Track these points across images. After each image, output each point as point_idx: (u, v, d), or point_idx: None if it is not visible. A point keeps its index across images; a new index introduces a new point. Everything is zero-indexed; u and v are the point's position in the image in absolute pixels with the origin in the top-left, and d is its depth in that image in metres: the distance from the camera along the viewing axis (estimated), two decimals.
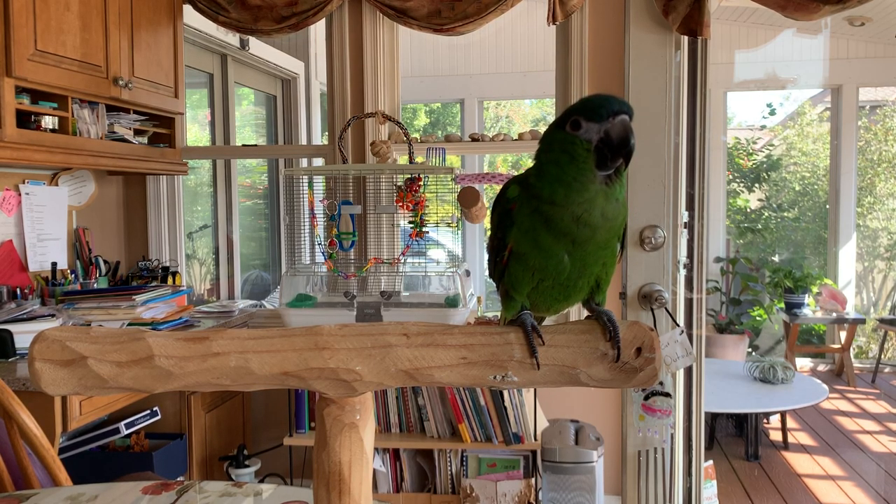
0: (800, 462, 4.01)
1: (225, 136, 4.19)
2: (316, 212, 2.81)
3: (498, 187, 3.29)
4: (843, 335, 5.79)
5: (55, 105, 2.36)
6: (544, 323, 0.88)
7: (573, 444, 2.56)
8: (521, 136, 3.03)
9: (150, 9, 2.79)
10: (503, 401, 2.54)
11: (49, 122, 2.36)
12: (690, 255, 2.25)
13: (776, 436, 4.37)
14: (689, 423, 2.31)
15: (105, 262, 3.06)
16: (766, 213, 6.95)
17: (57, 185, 2.85)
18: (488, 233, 0.93)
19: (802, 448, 4.25)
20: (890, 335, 6.25)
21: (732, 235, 6.69)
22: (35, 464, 1.62)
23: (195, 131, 4.27)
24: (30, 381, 1.81)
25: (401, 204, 2.80)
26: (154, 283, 3.04)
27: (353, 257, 2.98)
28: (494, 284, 0.90)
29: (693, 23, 2.28)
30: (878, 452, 4.24)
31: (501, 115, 7.39)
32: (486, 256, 0.94)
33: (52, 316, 2.36)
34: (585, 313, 0.86)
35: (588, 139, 0.76)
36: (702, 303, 2.31)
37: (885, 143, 6.74)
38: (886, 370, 6.02)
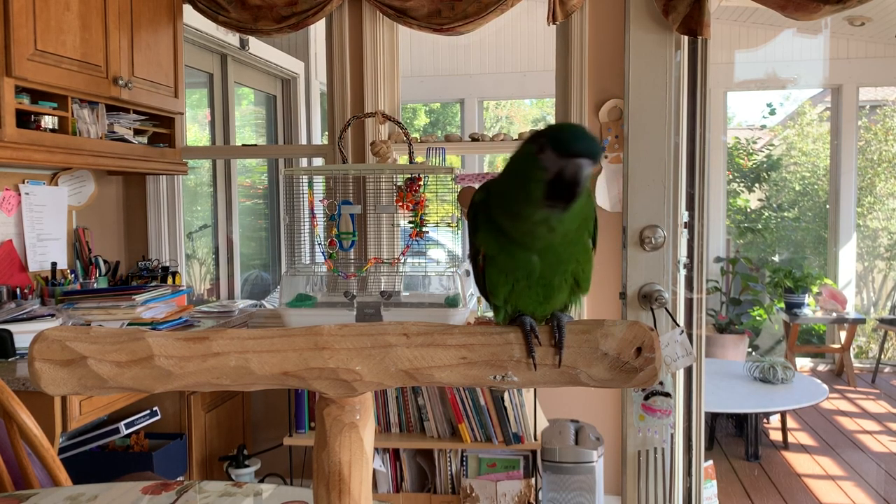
0: (800, 462, 4.01)
1: (225, 136, 4.19)
2: (316, 212, 2.81)
3: None
4: (843, 335, 5.78)
5: (55, 105, 2.36)
6: None
7: (573, 444, 2.56)
8: (521, 136, 3.03)
9: (150, 9, 2.79)
10: (503, 401, 2.54)
11: (49, 121, 2.36)
12: (690, 255, 2.25)
13: (776, 436, 4.37)
14: (689, 423, 2.31)
15: (105, 262, 3.06)
16: (766, 213, 6.95)
17: (57, 184, 2.85)
18: None
19: (802, 448, 4.25)
20: (890, 335, 6.25)
21: (732, 235, 6.69)
22: (35, 464, 1.62)
23: (195, 131, 4.27)
24: (30, 381, 1.81)
25: (401, 204, 2.80)
26: (154, 283, 3.04)
27: (353, 257, 2.98)
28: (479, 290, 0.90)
29: (693, 23, 2.28)
30: (878, 452, 4.23)
31: (501, 115, 7.39)
32: None
33: (52, 316, 2.36)
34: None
35: (545, 167, 0.73)
36: (702, 303, 2.31)
37: (885, 143, 6.73)
38: (886, 370, 6.02)
